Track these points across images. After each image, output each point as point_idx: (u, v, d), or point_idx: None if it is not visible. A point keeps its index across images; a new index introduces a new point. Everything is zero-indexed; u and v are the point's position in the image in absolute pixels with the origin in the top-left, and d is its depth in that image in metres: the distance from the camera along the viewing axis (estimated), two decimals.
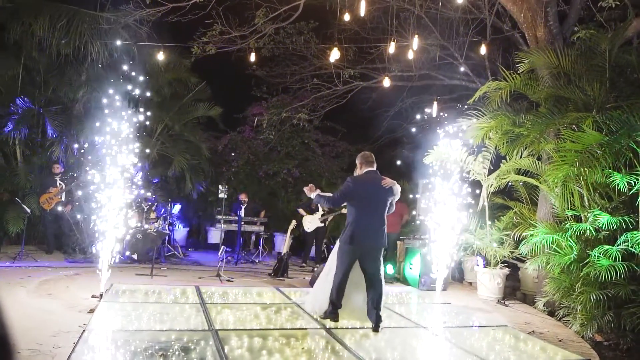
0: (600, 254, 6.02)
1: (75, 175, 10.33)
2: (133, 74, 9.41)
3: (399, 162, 14.75)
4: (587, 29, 8.18)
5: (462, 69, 10.76)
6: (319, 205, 11.37)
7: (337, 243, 6.02)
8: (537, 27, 8.07)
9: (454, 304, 7.80)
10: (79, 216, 9.77)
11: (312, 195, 6.11)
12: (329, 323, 5.74)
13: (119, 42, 10.55)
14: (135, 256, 9.87)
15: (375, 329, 5.58)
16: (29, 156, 11.30)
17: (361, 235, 5.67)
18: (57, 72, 11.47)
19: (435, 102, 9.99)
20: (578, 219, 6.83)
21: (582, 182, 6.61)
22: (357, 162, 6.07)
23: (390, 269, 9.62)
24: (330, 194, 6.13)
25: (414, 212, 11.23)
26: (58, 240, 10.48)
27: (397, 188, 5.88)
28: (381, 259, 5.85)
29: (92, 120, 7.10)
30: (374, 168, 5.95)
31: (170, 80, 13.06)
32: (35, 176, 11.03)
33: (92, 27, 10.66)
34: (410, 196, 11.41)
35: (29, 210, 9.59)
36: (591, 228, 6.37)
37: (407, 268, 9.48)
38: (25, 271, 8.00)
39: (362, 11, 7.87)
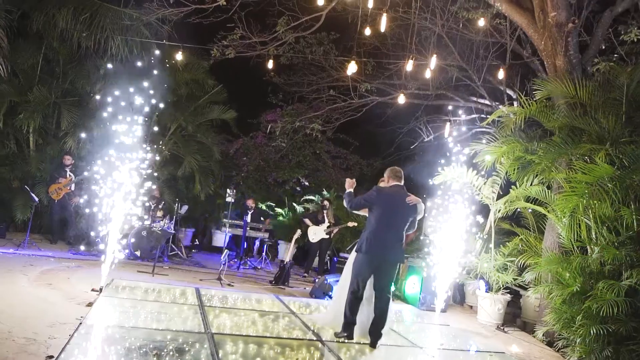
0: (604, 288, 5.95)
1: (85, 171, 10.37)
2: (152, 71, 9.46)
3: (408, 180, 14.69)
4: (607, 61, 8.16)
5: (469, 107, 10.68)
6: (325, 216, 11.38)
7: (352, 255, 6.00)
8: (556, 56, 8.05)
9: (453, 327, 7.74)
10: (85, 209, 9.81)
11: (348, 190, 6.09)
12: (325, 335, 5.70)
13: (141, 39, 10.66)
14: (138, 253, 9.90)
15: (373, 344, 5.53)
16: (41, 145, 11.38)
17: (377, 246, 5.60)
18: (76, 64, 11.55)
19: (448, 123, 9.97)
20: (584, 251, 6.76)
21: (591, 215, 6.55)
22: (385, 175, 6.07)
23: None
24: (355, 197, 6.06)
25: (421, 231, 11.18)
26: (63, 231, 10.54)
27: (422, 207, 5.86)
28: (393, 276, 5.80)
29: (107, 115, 7.14)
30: (401, 183, 5.93)
31: (187, 81, 13.11)
32: (46, 165, 11.11)
33: (114, 22, 10.76)
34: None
35: (37, 199, 9.65)
36: (596, 261, 6.30)
37: (408, 286, 9.42)
38: (28, 259, 8.03)
39: (383, 27, 7.90)
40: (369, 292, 5.75)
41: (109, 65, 10.73)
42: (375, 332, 5.56)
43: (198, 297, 6.94)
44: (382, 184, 6.17)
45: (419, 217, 5.89)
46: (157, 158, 11.36)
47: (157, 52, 10.89)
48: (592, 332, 5.88)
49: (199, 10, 10.11)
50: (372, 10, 9.12)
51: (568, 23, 7.82)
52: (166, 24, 11.12)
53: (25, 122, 10.65)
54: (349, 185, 6.14)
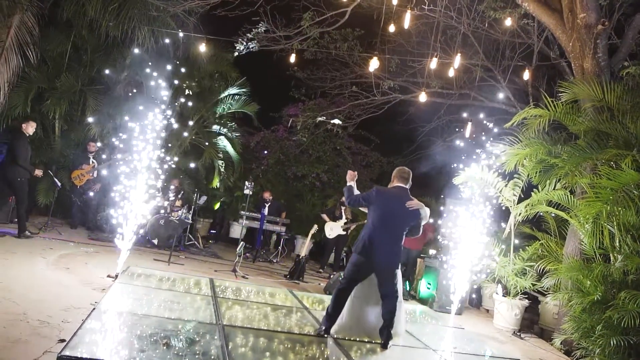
0: (626, 298, 5.80)
1: (108, 158, 10.49)
2: (177, 62, 9.52)
3: (429, 179, 14.58)
4: (637, 65, 7.94)
5: (493, 108, 10.51)
6: (342, 212, 11.34)
7: None
8: (584, 58, 7.87)
9: (468, 330, 7.64)
10: (106, 196, 9.92)
11: (349, 183, 5.83)
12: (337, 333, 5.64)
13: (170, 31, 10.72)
14: (155, 241, 9.98)
15: (384, 345, 5.43)
16: (66, 131, 11.53)
17: (371, 248, 5.42)
18: (103, 53, 11.69)
19: (469, 123, 9.82)
20: (606, 259, 6.61)
21: (615, 222, 6.38)
22: (393, 174, 5.90)
23: (406, 285, 9.50)
24: (357, 192, 5.84)
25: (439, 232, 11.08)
26: (84, 216, 10.67)
27: (425, 212, 5.61)
28: (397, 277, 5.67)
29: (131, 103, 7.21)
30: (406, 186, 5.67)
31: (211, 73, 13.19)
32: (70, 151, 11.27)
33: (141, 12, 10.83)
34: (435, 220, 11.23)
35: (59, 184, 9.77)
36: (619, 270, 6.15)
37: (424, 287, 9.33)
38: (48, 243, 8.15)
39: (406, 24, 7.82)
40: (377, 293, 5.62)
41: (135, 55, 10.83)
42: (385, 333, 5.45)
43: (212, 288, 6.96)
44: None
45: (423, 222, 5.68)
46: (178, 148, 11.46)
47: (183, 43, 10.96)
48: (612, 343, 5.74)
49: (225, 3, 10.15)
50: (397, 7, 9.03)
51: (597, 25, 7.64)
52: (192, 16, 11.18)
53: (51, 108, 10.83)
54: (350, 177, 5.84)
